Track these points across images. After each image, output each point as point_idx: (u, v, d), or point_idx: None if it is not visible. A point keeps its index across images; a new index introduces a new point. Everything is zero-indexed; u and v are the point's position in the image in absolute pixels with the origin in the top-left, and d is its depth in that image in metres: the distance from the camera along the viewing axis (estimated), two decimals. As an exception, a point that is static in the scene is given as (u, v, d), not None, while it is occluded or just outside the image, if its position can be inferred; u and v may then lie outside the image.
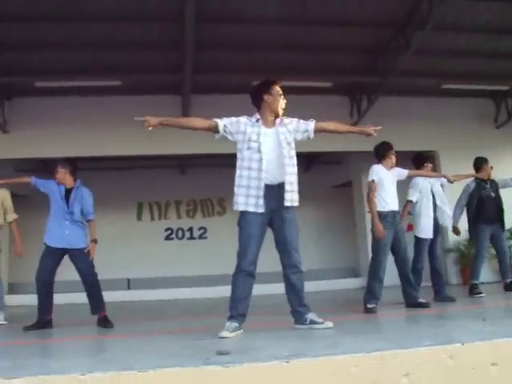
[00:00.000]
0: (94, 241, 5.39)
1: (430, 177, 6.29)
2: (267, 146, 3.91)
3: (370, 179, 5.57)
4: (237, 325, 3.70)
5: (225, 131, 3.93)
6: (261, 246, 3.92)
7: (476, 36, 8.58)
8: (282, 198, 3.89)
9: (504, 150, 10.40)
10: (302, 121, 4.14)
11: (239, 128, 3.94)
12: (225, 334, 3.56)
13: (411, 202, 6.25)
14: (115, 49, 8.30)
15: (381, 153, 5.69)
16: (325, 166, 12.56)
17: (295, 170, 3.99)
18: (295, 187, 3.97)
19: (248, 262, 3.82)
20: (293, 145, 4.03)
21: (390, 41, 8.63)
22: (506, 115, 10.61)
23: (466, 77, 9.51)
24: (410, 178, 5.99)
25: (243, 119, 3.99)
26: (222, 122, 3.93)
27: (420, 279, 6.08)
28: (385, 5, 7.79)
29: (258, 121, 4.00)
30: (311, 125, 4.11)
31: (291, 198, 3.92)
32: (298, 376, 2.43)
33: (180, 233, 13.04)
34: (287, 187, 3.89)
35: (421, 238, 6.15)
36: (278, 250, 3.98)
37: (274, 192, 3.90)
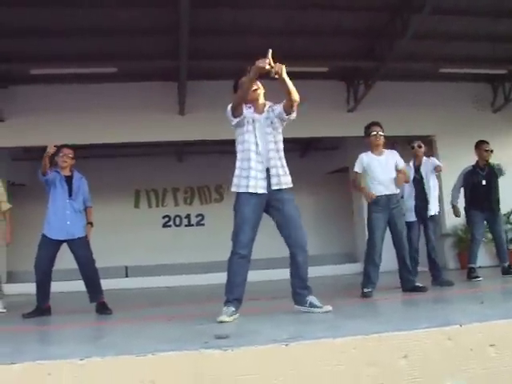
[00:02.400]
0: (91, 223, 5.43)
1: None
2: (258, 131, 3.97)
3: (354, 169, 5.59)
4: (233, 309, 3.70)
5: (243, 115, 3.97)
6: (257, 230, 3.91)
7: (474, 19, 8.50)
8: (280, 182, 3.94)
9: (501, 133, 10.37)
10: (278, 106, 4.09)
11: (244, 111, 3.99)
12: (223, 318, 3.56)
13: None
14: (111, 35, 8.23)
15: (364, 132, 5.64)
16: (321, 152, 12.56)
17: (280, 154, 4.01)
18: (281, 171, 3.97)
19: (242, 245, 3.83)
20: (280, 130, 4.07)
21: (386, 25, 8.58)
22: (503, 99, 10.59)
23: (463, 61, 9.47)
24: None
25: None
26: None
27: (414, 263, 6.04)
28: (381, -12, 7.73)
29: (250, 107, 4.06)
30: (280, 105, 4.06)
31: (278, 181, 3.94)
32: (297, 359, 2.43)
33: (177, 220, 13.06)
34: (272, 171, 3.93)
35: (406, 222, 6.12)
36: (282, 233, 3.97)
37: (271, 174, 3.93)
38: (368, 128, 5.60)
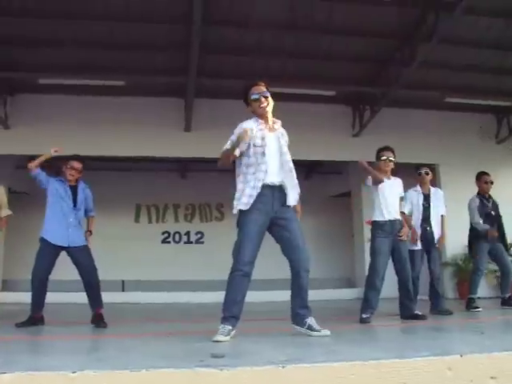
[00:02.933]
0: (90, 232, 5.48)
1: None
2: (271, 148, 3.92)
3: (368, 184, 5.56)
4: (230, 327, 3.63)
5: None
6: (259, 248, 3.86)
7: (481, 51, 8.58)
8: (284, 200, 3.91)
9: (504, 165, 10.39)
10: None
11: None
12: (219, 337, 3.50)
13: (403, 213, 6.07)
14: (120, 48, 8.29)
15: (376, 155, 5.63)
16: (325, 176, 12.57)
17: (293, 172, 3.99)
18: (297, 191, 3.98)
19: (244, 262, 3.76)
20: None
21: (394, 52, 8.64)
22: (507, 131, 10.62)
23: (469, 91, 9.51)
24: None
25: (248, 124, 3.95)
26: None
27: (415, 291, 5.98)
28: (391, 16, 7.80)
29: (260, 124, 3.99)
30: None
31: (294, 197, 3.96)
32: (294, 382, 2.38)
33: (177, 236, 13.00)
34: (288, 186, 3.93)
35: (410, 249, 6.08)
36: (286, 251, 3.91)
37: (276, 193, 3.90)
38: (379, 152, 5.60)
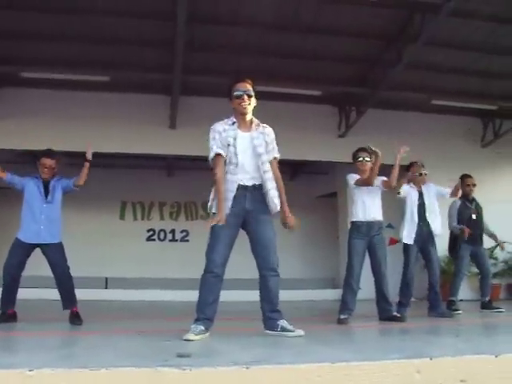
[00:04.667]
0: (89, 161, 5.34)
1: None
2: (242, 148, 3.86)
3: (350, 183, 5.51)
4: (202, 328, 3.59)
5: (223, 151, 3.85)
6: (231, 249, 3.82)
7: (467, 54, 8.60)
8: (259, 201, 3.86)
9: (490, 169, 10.44)
10: (273, 143, 4.05)
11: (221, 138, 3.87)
12: (190, 336, 3.45)
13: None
14: (105, 44, 8.22)
15: (352, 157, 5.63)
16: (311, 176, 12.55)
17: (268, 175, 3.92)
18: (274, 194, 3.92)
19: (216, 264, 3.72)
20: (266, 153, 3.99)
21: (381, 53, 8.64)
22: (493, 135, 10.66)
23: (455, 94, 9.55)
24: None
25: (219, 127, 3.90)
26: (219, 150, 3.83)
27: (409, 290, 5.95)
28: (378, 17, 7.79)
29: (233, 124, 3.94)
30: (271, 155, 4.00)
31: (276, 203, 3.90)
32: (257, 383, 2.34)
33: (162, 234, 12.95)
34: (271, 193, 3.87)
35: (405, 244, 6.07)
36: (254, 253, 3.88)
37: (249, 193, 3.84)
38: (355, 153, 5.59)
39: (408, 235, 6.07)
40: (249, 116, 3.98)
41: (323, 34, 8.19)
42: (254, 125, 3.99)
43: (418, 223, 6.09)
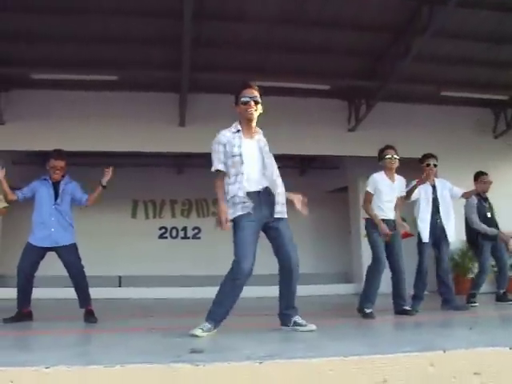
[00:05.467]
0: (103, 187, 5.36)
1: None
2: (249, 155, 3.85)
3: (366, 189, 5.51)
4: (210, 326, 3.61)
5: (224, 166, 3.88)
6: (255, 254, 3.79)
7: (476, 44, 8.50)
8: (272, 203, 3.85)
9: (502, 160, 10.34)
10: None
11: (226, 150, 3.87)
12: (196, 331, 3.48)
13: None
14: (112, 43, 8.23)
15: (378, 155, 5.61)
16: (321, 171, 12.51)
17: (278, 181, 3.94)
18: (284, 199, 3.92)
19: (245, 273, 3.68)
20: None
21: (389, 46, 8.58)
22: (505, 125, 10.55)
23: (465, 85, 9.46)
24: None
25: (223, 138, 3.88)
26: (220, 166, 3.87)
27: (423, 284, 5.90)
28: (385, 9, 7.74)
29: (238, 131, 3.92)
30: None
31: (281, 209, 3.88)
32: (270, 378, 2.35)
33: (174, 232, 12.97)
34: (278, 199, 3.87)
35: (419, 241, 6.02)
36: (277, 253, 3.89)
37: (262, 198, 3.84)
38: (382, 151, 5.58)
39: (423, 232, 6.00)
40: (254, 123, 3.97)
41: (330, 27, 8.14)
42: (258, 135, 4.00)
43: (432, 217, 6.03)
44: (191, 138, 9.57)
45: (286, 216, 3.90)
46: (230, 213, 3.81)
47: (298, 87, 9.28)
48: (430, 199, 6.07)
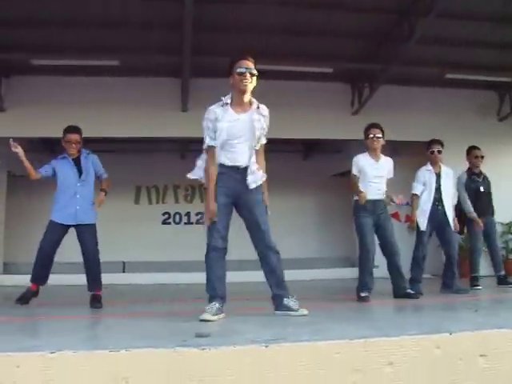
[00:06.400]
0: (104, 191, 5.32)
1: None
2: (236, 131, 3.80)
3: (352, 172, 5.46)
4: (218, 306, 3.61)
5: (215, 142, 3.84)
6: (229, 226, 3.83)
7: (480, 25, 8.40)
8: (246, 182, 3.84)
9: (506, 143, 10.28)
10: (265, 128, 3.99)
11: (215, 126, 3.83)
12: (206, 316, 3.46)
13: (416, 195, 6.02)
14: (113, 28, 8.16)
15: (364, 133, 5.53)
16: (324, 155, 12.46)
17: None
18: (254, 167, 3.86)
19: (217, 240, 3.74)
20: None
21: (393, 27, 8.48)
22: (510, 108, 10.47)
23: (469, 67, 9.36)
24: None
25: (211, 115, 3.83)
26: (212, 142, 3.84)
27: (420, 268, 5.93)
28: (389, -10, 7.65)
29: (225, 105, 3.86)
30: (263, 139, 4.00)
31: (254, 179, 3.85)
32: (277, 361, 2.35)
33: (177, 217, 12.99)
34: (248, 169, 3.84)
35: (418, 228, 6.02)
36: (251, 233, 3.89)
37: (240, 175, 3.82)
38: (367, 130, 5.49)
39: (423, 221, 5.99)
40: (247, 96, 3.87)
41: (332, 9, 8.04)
42: (253, 106, 3.89)
43: (434, 204, 6.00)
44: (193, 123, 9.35)
45: (259, 183, 3.87)
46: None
47: (301, 70, 9.21)
48: (433, 188, 6.03)
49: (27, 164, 5.12)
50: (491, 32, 8.56)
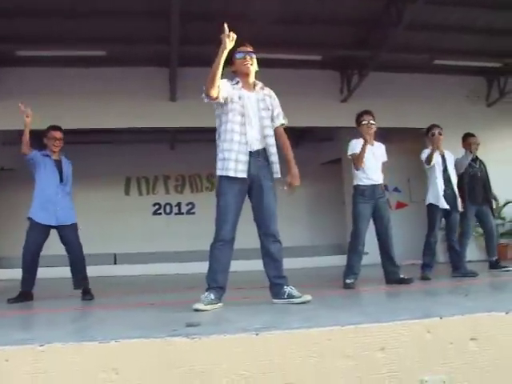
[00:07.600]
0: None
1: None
2: (249, 109, 3.82)
3: (349, 153, 5.47)
4: (213, 297, 3.58)
5: (223, 96, 3.77)
6: (239, 216, 3.79)
7: (469, 11, 8.39)
8: (263, 167, 3.82)
9: (495, 128, 10.32)
10: (278, 108, 3.99)
11: (227, 89, 3.79)
12: (198, 306, 3.44)
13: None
14: (99, 17, 8.04)
15: (356, 120, 5.53)
16: (315, 143, 12.47)
17: (272, 140, 3.89)
18: (273, 157, 3.87)
19: (226, 232, 3.70)
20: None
21: (381, 14, 8.43)
22: (498, 93, 10.50)
23: (458, 53, 9.37)
24: None
25: (225, 81, 3.82)
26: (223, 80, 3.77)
27: (432, 252, 5.97)
28: (377, -24, 7.60)
29: (237, 83, 3.88)
30: (278, 121, 3.98)
31: (277, 169, 3.86)
32: (268, 349, 2.34)
33: (168, 208, 12.98)
34: (273, 158, 3.83)
35: (431, 205, 6.01)
36: (256, 220, 3.86)
37: (253, 159, 3.79)
38: (359, 117, 5.50)
39: (434, 196, 6.01)
40: (252, 78, 3.92)
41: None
42: (258, 87, 3.94)
43: (444, 185, 6.04)
44: (182, 113, 9.47)
45: (278, 176, 3.87)
46: (221, 168, 3.77)
47: (290, 58, 9.17)
48: (441, 169, 6.10)
49: (27, 135, 5.08)
50: (479, 18, 8.56)
